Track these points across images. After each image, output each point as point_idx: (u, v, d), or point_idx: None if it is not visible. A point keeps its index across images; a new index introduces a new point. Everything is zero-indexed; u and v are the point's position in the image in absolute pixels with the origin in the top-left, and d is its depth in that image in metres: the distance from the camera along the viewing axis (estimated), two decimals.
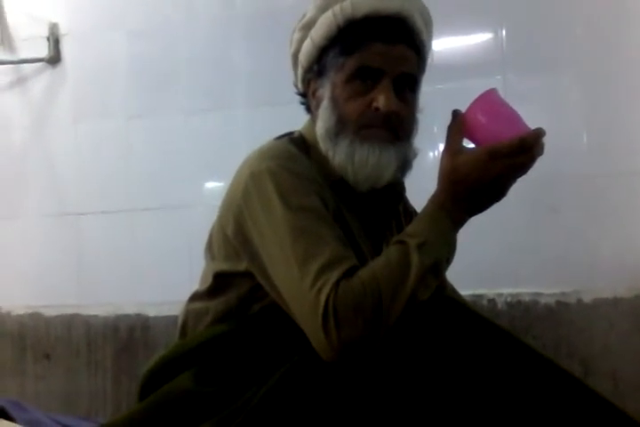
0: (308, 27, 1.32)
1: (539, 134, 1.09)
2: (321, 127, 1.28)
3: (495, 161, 1.08)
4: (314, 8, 1.32)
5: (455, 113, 1.17)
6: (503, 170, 1.09)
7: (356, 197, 1.30)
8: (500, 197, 1.14)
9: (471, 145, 1.17)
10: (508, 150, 1.08)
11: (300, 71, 1.37)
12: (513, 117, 1.14)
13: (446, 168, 1.14)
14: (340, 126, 1.25)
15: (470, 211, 1.16)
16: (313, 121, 1.35)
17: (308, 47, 1.32)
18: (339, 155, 1.25)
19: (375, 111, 1.24)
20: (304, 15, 1.35)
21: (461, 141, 1.15)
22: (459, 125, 1.15)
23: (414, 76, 1.29)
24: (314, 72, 1.33)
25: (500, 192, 1.13)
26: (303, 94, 1.40)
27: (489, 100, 1.15)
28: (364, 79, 1.25)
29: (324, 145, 1.28)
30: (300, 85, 1.40)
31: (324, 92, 1.29)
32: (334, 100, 1.27)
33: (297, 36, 1.36)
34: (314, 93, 1.34)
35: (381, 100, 1.23)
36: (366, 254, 1.24)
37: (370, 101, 1.24)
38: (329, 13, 1.28)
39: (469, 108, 1.16)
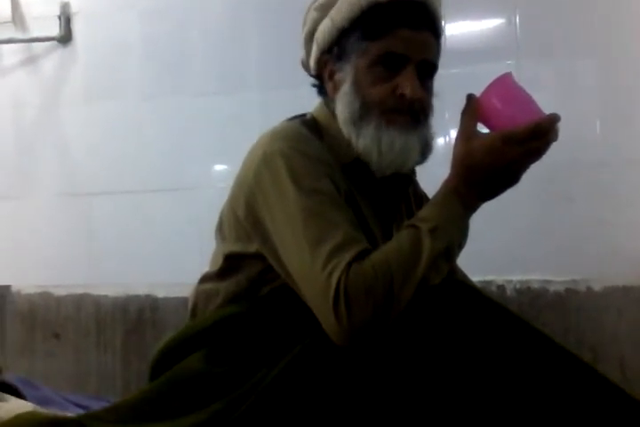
0: (326, 7, 1.31)
1: (554, 120, 1.08)
2: (343, 111, 1.27)
3: (509, 146, 1.08)
4: None
5: (470, 97, 1.16)
6: (517, 155, 1.08)
7: (367, 180, 1.29)
8: (514, 182, 1.13)
9: (485, 130, 1.16)
10: (523, 136, 1.07)
11: (314, 52, 1.35)
12: (528, 102, 1.13)
13: (460, 153, 1.13)
14: (365, 111, 1.24)
15: (483, 196, 1.15)
16: (326, 103, 1.35)
17: (326, 28, 1.30)
18: (363, 139, 1.24)
19: (400, 97, 1.23)
20: None
21: (475, 126, 1.14)
22: (473, 110, 1.15)
23: (435, 64, 1.29)
24: (333, 54, 1.31)
25: (513, 178, 1.12)
26: (316, 76, 1.38)
27: (504, 85, 1.14)
28: (388, 65, 1.24)
29: (346, 129, 1.26)
30: (312, 66, 1.37)
31: (345, 75, 1.28)
32: (357, 85, 1.26)
33: (313, 15, 1.34)
34: (331, 76, 1.32)
35: (407, 87, 1.22)
36: (377, 237, 1.25)
37: (394, 87, 1.24)
38: None
39: (484, 93, 1.15)
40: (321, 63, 1.34)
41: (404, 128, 1.24)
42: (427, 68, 1.27)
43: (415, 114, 1.25)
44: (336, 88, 1.30)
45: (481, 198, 1.15)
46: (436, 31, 1.28)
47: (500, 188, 1.14)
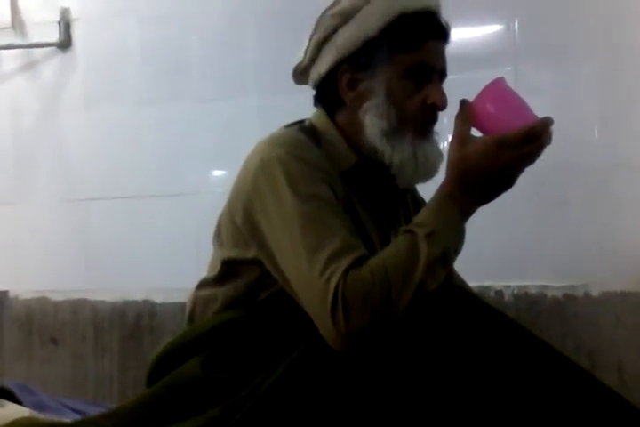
0: (346, 15, 1.28)
1: (547, 123, 1.09)
2: (376, 123, 1.26)
3: (504, 150, 1.08)
4: None
5: (463, 102, 1.17)
6: (512, 159, 1.09)
7: (365, 187, 1.30)
8: (509, 186, 1.13)
9: (479, 134, 1.16)
10: (517, 139, 1.08)
11: (330, 59, 1.30)
12: (521, 106, 1.14)
13: (455, 158, 1.14)
14: (401, 124, 1.25)
15: (479, 201, 1.15)
16: (325, 110, 1.34)
17: (350, 36, 1.27)
18: (401, 153, 1.25)
19: (430, 107, 1.25)
20: (338, 1, 1.31)
21: (469, 131, 1.15)
22: (467, 114, 1.15)
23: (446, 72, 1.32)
24: (358, 64, 1.28)
25: (508, 182, 1.13)
26: (322, 83, 1.34)
27: (497, 89, 1.15)
28: (419, 76, 1.26)
29: (379, 142, 1.25)
30: (321, 73, 1.33)
31: (374, 86, 1.27)
32: (392, 97, 1.25)
33: (330, 22, 1.30)
34: (352, 85, 1.29)
35: (439, 98, 1.25)
36: (375, 244, 1.25)
37: (424, 97, 1.25)
38: (377, 4, 1.26)
39: (478, 98, 1.15)
40: (337, 71, 1.30)
41: (431, 139, 1.28)
42: (442, 77, 1.30)
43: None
44: (360, 98, 1.28)
45: (476, 203, 1.15)
46: (447, 40, 1.31)
47: (495, 192, 1.14)
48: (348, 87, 1.30)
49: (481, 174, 1.11)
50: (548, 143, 1.09)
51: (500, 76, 1.17)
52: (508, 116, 1.13)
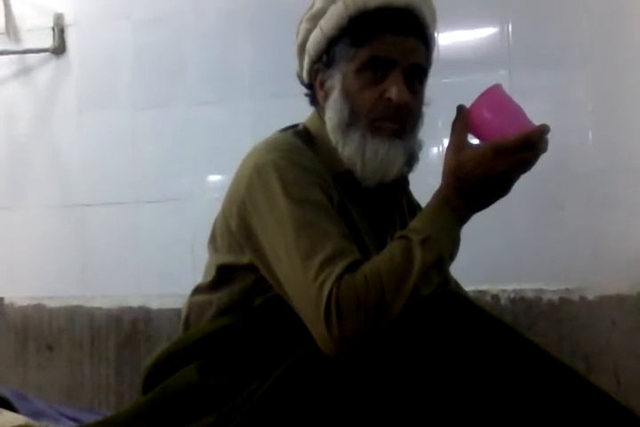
0: (316, 17, 1.32)
1: (543, 130, 1.08)
2: (332, 118, 1.28)
3: (500, 157, 1.08)
4: None
5: (460, 108, 1.17)
6: (508, 166, 1.09)
7: (360, 191, 1.29)
8: (505, 193, 1.13)
9: (475, 140, 1.16)
10: (513, 146, 1.08)
11: (306, 61, 1.36)
12: (518, 113, 1.14)
13: (451, 164, 1.13)
14: (353, 118, 1.25)
15: (474, 207, 1.15)
16: (318, 113, 1.35)
17: (316, 37, 1.32)
18: (349, 147, 1.25)
19: (387, 102, 1.23)
20: (312, 5, 1.34)
21: (466, 137, 1.15)
22: (463, 121, 1.15)
23: (424, 68, 1.30)
24: (322, 62, 1.32)
25: (504, 188, 1.13)
26: (308, 85, 1.39)
27: (494, 96, 1.15)
28: (375, 70, 1.25)
29: (333, 136, 1.27)
30: (305, 76, 1.39)
31: (334, 82, 1.29)
32: (346, 91, 1.27)
33: (305, 26, 1.35)
34: (321, 84, 1.33)
35: (394, 91, 1.23)
36: (370, 248, 1.24)
37: (381, 92, 1.24)
38: (340, 4, 1.28)
39: (474, 104, 1.15)
40: (312, 72, 1.35)
41: (389, 137, 1.25)
42: (415, 73, 1.28)
43: (402, 121, 1.26)
44: (326, 96, 1.31)
45: (472, 209, 1.15)
46: (424, 37, 1.29)
47: (492, 198, 1.14)
48: (320, 87, 1.33)
49: (477, 181, 1.11)
50: (544, 150, 1.09)
51: (494, 80, 1.17)
52: (504, 122, 1.13)
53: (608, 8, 2.15)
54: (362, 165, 1.24)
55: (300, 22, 1.37)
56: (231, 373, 1.17)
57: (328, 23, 1.29)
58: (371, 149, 1.23)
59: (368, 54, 1.25)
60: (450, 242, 1.15)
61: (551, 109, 2.15)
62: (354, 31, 1.26)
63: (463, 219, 1.16)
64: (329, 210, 1.16)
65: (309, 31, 1.34)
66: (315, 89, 1.36)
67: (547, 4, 2.20)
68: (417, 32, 1.27)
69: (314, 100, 1.38)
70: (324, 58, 1.31)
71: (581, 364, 2.03)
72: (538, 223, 2.15)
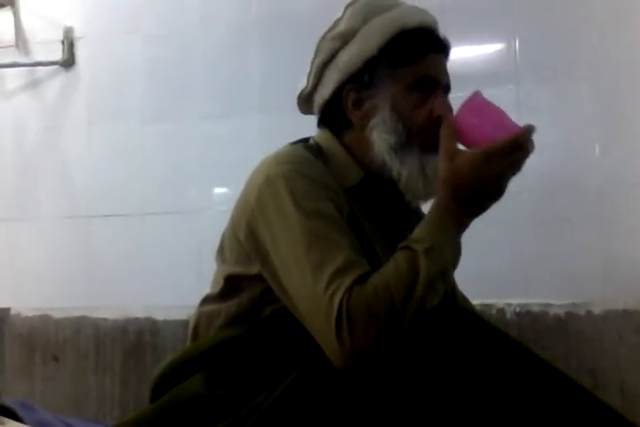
0: (344, 36, 1.32)
1: (529, 131, 1.11)
2: (385, 139, 1.27)
3: (492, 161, 1.10)
4: (351, 18, 1.32)
5: (444, 117, 1.19)
6: (501, 169, 1.11)
7: (371, 203, 1.30)
8: (499, 196, 1.14)
9: (463, 148, 1.18)
10: (504, 150, 1.10)
11: (333, 81, 1.33)
12: (502, 117, 1.16)
13: (445, 173, 1.14)
14: (409, 137, 1.26)
15: (474, 212, 1.16)
16: (332, 132, 1.35)
17: (352, 57, 1.31)
18: (408, 167, 1.26)
19: (437, 120, 1.25)
20: (336, 24, 1.34)
21: (456, 145, 1.16)
22: (451, 129, 1.17)
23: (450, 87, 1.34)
24: (361, 82, 1.30)
25: (499, 191, 1.14)
26: (325, 105, 1.36)
27: (477, 102, 1.17)
28: (423, 89, 1.28)
29: (387, 157, 1.27)
30: (325, 95, 1.35)
31: (378, 102, 1.29)
32: (398, 111, 1.27)
33: (329, 45, 1.33)
34: (357, 104, 1.31)
35: (446, 111, 1.26)
36: (381, 259, 1.24)
37: (430, 111, 1.27)
38: (375, 24, 1.29)
39: (459, 111, 1.18)
40: (342, 92, 1.32)
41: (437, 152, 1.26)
42: (446, 92, 1.32)
43: None
44: (367, 116, 1.30)
45: (471, 215, 1.16)
46: (448, 55, 1.34)
47: (488, 203, 1.15)
48: (354, 107, 1.32)
49: (473, 187, 1.12)
50: (533, 150, 1.11)
51: (502, 96, 1.19)
52: (490, 126, 1.15)
53: (614, 22, 2.16)
54: (424, 183, 1.25)
55: (322, 40, 1.35)
56: (238, 383, 1.16)
57: (366, 43, 1.29)
58: (431, 168, 1.23)
59: (418, 74, 1.27)
60: (452, 249, 1.15)
61: (558, 123, 2.15)
62: (397, 50, 1.28)
63: (463, 225, 1.17)
64: (339, 222, 1.16)
65: (335, 50, 1.33)
66: (344, 108, 1.33)
67: (553, 20, 2.22)
68: (446, 50, 1.33)
69: (328, 120, 1.37)
70: (366, 77, 1.30)
71: (588, 378, 2.02)
72: (545, 237, 2.15)
